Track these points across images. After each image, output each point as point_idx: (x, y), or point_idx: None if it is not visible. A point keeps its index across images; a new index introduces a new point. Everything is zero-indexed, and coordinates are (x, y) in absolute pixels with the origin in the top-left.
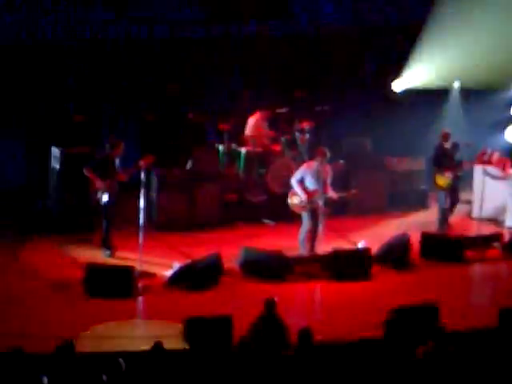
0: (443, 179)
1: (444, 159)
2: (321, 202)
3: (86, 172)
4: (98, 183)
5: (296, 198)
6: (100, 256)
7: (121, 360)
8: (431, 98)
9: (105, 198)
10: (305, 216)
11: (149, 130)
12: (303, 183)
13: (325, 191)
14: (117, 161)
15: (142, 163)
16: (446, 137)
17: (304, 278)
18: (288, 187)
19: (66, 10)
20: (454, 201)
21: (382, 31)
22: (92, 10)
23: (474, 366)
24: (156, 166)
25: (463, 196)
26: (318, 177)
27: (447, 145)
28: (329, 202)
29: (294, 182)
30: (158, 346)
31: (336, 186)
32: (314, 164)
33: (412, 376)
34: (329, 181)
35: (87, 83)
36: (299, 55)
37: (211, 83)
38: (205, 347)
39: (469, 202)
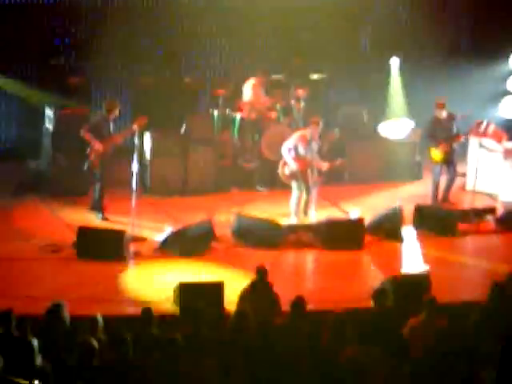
0: (438, 152)
1: (439, 131)
2: (312, 172)
3: (83, 134)
4: (97, 145)
5: (286, 168)
6: (92, 219)
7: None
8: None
9: (100, 160)
10: (295, 185)
11: (143, 93)
12: (296, 151)
13: (315, 161)
14: (111, 123)
15: (135, 125)
16: (440, 106)
17: (296, 246)
18: (281, 154)
19: None
20: (452, 175)
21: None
22: None
23: (464, 339)
24: (150, 129)
25: (458, 168)
26: (311, 146)
27: (442, 115)
28: (321, 171)
29: (285, 150)
30: (146, 311)
31: (330, 155)
32: (308, 132)
33: (401, 348)
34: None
35: (83, 44)
36: (297, 23)
37: (207, 47)
38: (195, 312)
39: (463, 175)
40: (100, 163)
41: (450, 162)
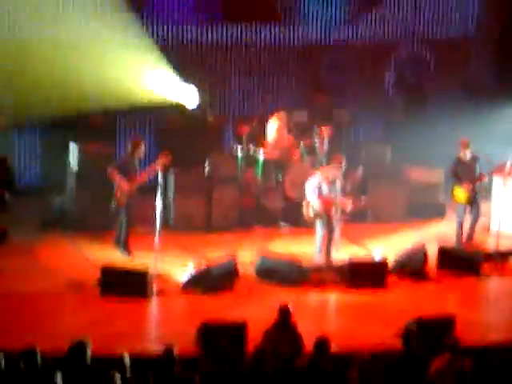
0: (462, 192)
1: (462, 171)
2: (336, 211)
3: (110, 173)
4: (124, 185)
5: (311, 209)
6: (116, 256)
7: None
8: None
9: (126, 199)
10: (319, 224)
11: (168, 131)
12: (319, 191)
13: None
14: (137, 161)
15: (159, 162)
16: (464, 146)
17: (319, 286)
18: (305, 194)
19: None
20: (476, 215)
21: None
22: None
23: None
24: (174, 167)
25: (482, 209)
26: (334, 185)
27: (466, 155)
28: (345, 210)
29: (308, 189)
30: (168, 351)
31: (354, 194)
32: (330, 171)
33: None
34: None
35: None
36: (320, 61)
37: (231, 86)
38: (219, 353)
39: (487, 216)
40: (126, 201)
41: (473, 202)
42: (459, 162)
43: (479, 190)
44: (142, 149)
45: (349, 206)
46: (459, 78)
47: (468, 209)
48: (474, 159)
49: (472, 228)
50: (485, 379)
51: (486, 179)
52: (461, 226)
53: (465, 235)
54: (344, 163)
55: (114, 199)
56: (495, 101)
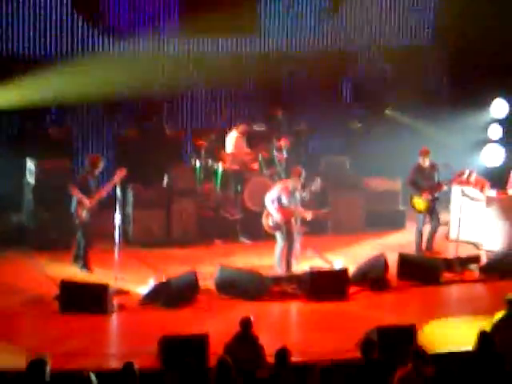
0: (421, 201)
1: (421, 179)
2: (296, 222)
3: (71, 190)
4: (85, 201)
5: (270, 219)
6: (75, 272)
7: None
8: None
9: (86, 215)
10: (279, 236)
11: (125, 145)
12: (279, 202)
13: (299, 211)
14: (95, 178)
15: (116, 177)
16: (424, 154)
17: (280, 297)
18: (264, 206)
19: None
20: (435, 224)
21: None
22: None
23: None
24: (132, 182)
25: (441, 217)
26: (294, 196)
27: (425, 163)
28: (305, 221)
29: (268, 201)
30: (128, 366)
31: (313, 205)
32: (290, 183)
33: None
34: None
35: (63, 95)
36: (279, 73)
37: (188, 99)
38: (180, 366)
39: (446, 224)
40: (86, 218)
41: (432, 210)
42: (418, 169)
43: (438, 198)
44: (101, 165)
45: (309, 215)
46: (417, 86)
47: (427, 217)
48: (433, 167)
49: (431, 237)
50: None
51: (444, 188)
52: (420, 234)
53: (424, 244)
54: (303, 175)
55: (76, 216)
56: (453, 109)
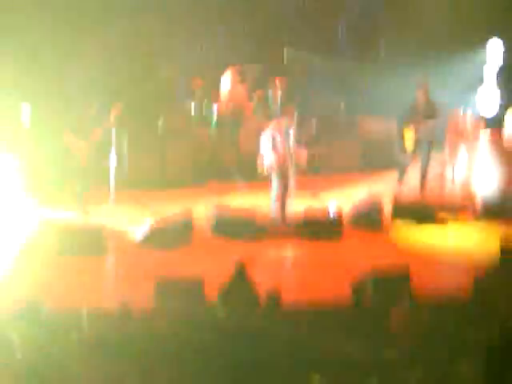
0: (410, 133)
1: (416, 114)
2: (291, 162)
3: (66, 138)
4: (81, 144)
5: (265, 160)
6: (72, 214)
7: None
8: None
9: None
10: (274, 176)
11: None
12: (273, 142)
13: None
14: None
15: (112, 115)
16: (422, 88)
17: (275, 238)
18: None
19: None
20: (425, 162)
21: None
22: None
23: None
24: (127, 123)
25: (437, 157)
26: (288, 135)
27: (422, 98)
28: (299, 162)
29: (263, 141)
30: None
31: (308, 146)
32: (283, 122)
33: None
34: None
35: None
36: (272, 11)
37: (185, 40)
38: (176, 307)
39: (442, 164)
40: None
41: (420, 146)
42: (415, 105)
43: (427, 134)
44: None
45: (303, 156)
46: (414, 23)
47: (416, 154)
48: (430, 104)
49: (423, 176)
50: (441, 329)
51: (435, 122)
52: (404, 170)
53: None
54: (296, 114)
55: (75, 160)
56: (454, 47)
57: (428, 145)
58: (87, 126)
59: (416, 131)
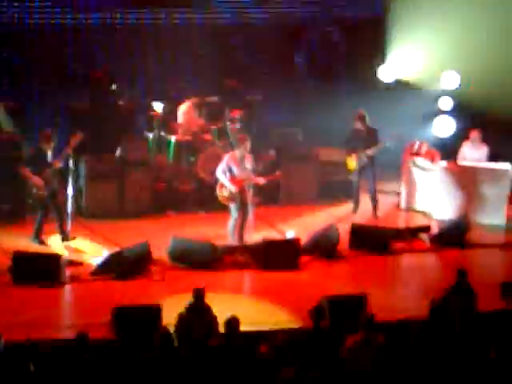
0: (351, 160)
1: (357, 142)
2: (249, 191)
3: (21, 172)
4: (36, 180)
5: (224, 190)
6: (29, 244)
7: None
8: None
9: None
10: (233, 206)
11: (78, 118)
12: (230, 172)
13: (251, 179)
14: (49, 152)
15: (72, 142)
16: (359, 117)
17: (233, 267)
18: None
19: None
20: (372, 189)
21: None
22: None
23: (403, 356)
24: (85, 153)
25: (392, 187)
26: (243, 165)
27: (361, 126)
28: (258, 192)
29: (219, 173)
30: (82, 336)
31: (266, 173)
32: (238, 152)
33: (341, 365)
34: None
35: (13, 70)
36: (229, 44)
37: (142, 70)
38: (133, 337)
39: (398, 193)
40: (43, 193)
41: (364, 168)
42: (354, 132)
43: (369, 157)
44: (54, 139)
45: (261, 181)
46: (370, 58)
47: (365, 181)
48: (371, 131)
49: (374, 204)
50: (397, 354)
51: (382, 146)
52: (357, 191)
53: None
54: (249, 141)
55: (33, 197)
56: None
57: (372, 171)
58: (43, 160)
59: (357, 158)
